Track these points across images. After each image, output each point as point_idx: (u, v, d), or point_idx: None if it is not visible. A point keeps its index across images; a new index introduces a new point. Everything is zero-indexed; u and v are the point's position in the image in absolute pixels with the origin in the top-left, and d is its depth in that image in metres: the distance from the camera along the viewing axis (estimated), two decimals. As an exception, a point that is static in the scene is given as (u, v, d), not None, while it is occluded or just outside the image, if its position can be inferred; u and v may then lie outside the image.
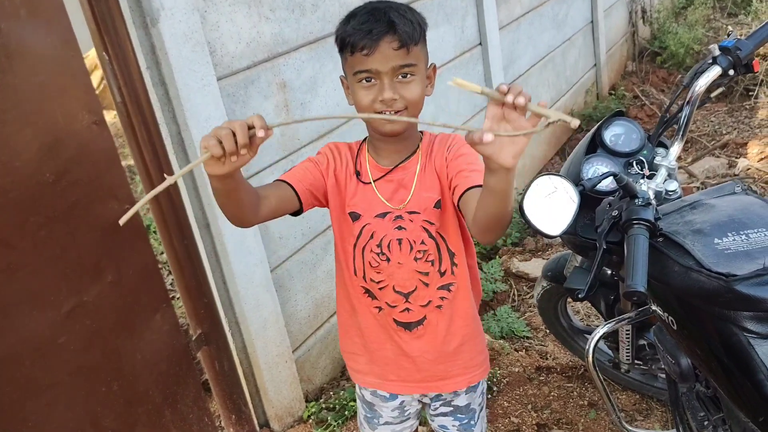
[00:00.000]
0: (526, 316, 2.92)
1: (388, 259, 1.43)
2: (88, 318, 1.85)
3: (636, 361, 2.13)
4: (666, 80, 5.53)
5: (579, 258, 1.87)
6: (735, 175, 3.89)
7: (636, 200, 1.35)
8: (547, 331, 2.77)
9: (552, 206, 1.27)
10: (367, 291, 1.48)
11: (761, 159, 4.04)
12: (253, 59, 2.32)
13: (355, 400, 2.45)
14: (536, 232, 1.40)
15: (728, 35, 1.62)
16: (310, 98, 2.58)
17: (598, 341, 1.75)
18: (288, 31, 2.44)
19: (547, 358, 2.62)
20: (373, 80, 1.30)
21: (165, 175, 1.12)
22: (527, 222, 1.28)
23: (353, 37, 1.29)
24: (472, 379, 1.54)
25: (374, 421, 1.65)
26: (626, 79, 5.80)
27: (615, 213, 1.40)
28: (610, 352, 2.36)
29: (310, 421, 2.47)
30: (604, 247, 1.42)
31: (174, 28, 1.99)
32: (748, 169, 3.90)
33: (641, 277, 1.22)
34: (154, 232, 3.44)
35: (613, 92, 5.40)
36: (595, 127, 1.74)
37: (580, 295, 1.45)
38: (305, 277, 2.63)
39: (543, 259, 3.30)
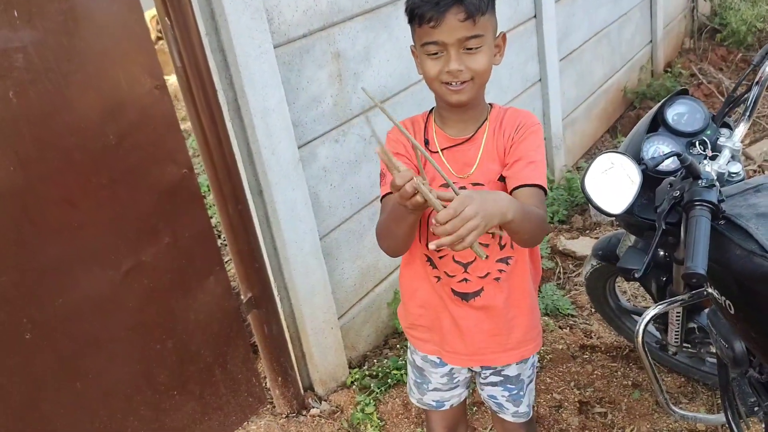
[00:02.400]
0: (571, 294, 2.90)
1: None
2: (145, 277, 1.91)
3: (684, 344, 2.10)
4: (725, 59, 5.35)
5: (632, 238, 1.84)
6: (794, 158, 3.77)
7: (699, 181, 1.32)
8: (593, 310, 2.76)
9: (613, 184, 1.26)
10: (429, 259, 1.50)
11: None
12: (309, 27, 2.32)
13: (398, 369, 2.50)
14: (597, 210, 1.38)
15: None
16: (363, 68, 2.58)
17: (648, 322, 1.73)
18: (344, -1, 2.44)
19: (591, 337, 2.61)
20: (439, 51, 1.31)
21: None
22: (588, 200, 1.27)
23: (421, 9, 1.29)
24: (524, 353, 1.56)
25: (424, 387, 1.67)
26: (683, 57, 5.63)
27: (677, 193, 1.38)
28: (657, 333, 2.33)
29: (354, 386, 2.51)
30: (663, 227, 1.40)
31: (234, -6, 2.01)
32: (751, 174, 3.78)
33: (702, 259, 1.20)
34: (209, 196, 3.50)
35: (669, 70, 5.25)
36: (658, 105, 1.70)
37: (636, 275, 1.43)
38: (352, 246, 2.66)
39: (590, 237, 3.26)
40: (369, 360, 2.71)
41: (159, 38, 5.12)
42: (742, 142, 1.57)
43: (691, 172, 1.34)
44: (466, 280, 1.47)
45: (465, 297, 1.49)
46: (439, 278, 1.50)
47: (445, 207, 1.09)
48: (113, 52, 1.76)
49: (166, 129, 1.92)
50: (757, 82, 1.55)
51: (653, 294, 2.08)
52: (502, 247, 1.44)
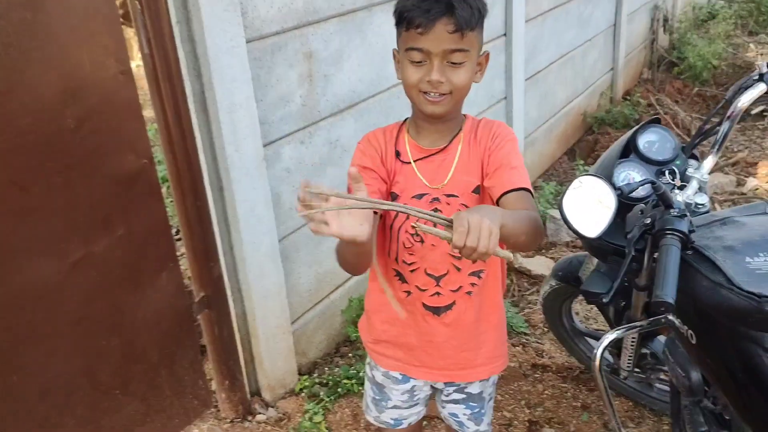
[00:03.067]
0: (525, 312, 2.91)
1: (422, 241, 1.41)
2: (94, 269, 1.83)
3: (635, 369, 2.12)
4: (681, 91, 5.51)
5: (595, 261, 1.85)
6: (743, 194, 3.89)
7: (671, 210, 1.33)
8: (546, 329, 2.77)
9: (589, 207, 1.25)
10: (398, 274, 1.47)
11: (771, 180, 4.04)
12: (283, 25, 2.27)
13: (349, 378, 2.46)
14: (573, 232, 1.38)
15: (774, 53, 1.60)
16: (334, 71, 2.54)
17: (607, 346, 1.73)
18: (320, 0, 2.39)
19: (543, 357, 2.62)
20: (423, 60, 1.29)
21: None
22: (566, 222, 1.26)
23: (411, 13, 1.27)
24: (493, 370, 1.54)
25: (382, 404, 1.63)
26: (641, 86, 5.76)
27: (648, 221, 1.38)
28: (609, 357, 2.35)
29: (303, 394, 2.46)
30: (633, 254, 1.41)
31: (209, -16, 1.95)
32: (756, 189, 3.90)
33: (671, 288, 1.21)
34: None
35: (627, 98, 5.37)
36: (631, 131, 1.72)
37: (604, 300, 1.43)
38: (311, 250, 2.61)
39: (547, 257, 3.29)
40: (319, 367, 2.66)
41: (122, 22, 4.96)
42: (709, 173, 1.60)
43: (663, 201, 1.35)
44: (438, 293, 1.44)
45: (436, 311, 1.46)
46: (409, 293, 1.47)
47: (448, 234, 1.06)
48: (79, 32, 1.69)
49: (128, 117, 1.85)
50: (728, 117, 1.58)
51: (610, 318, 2.10)
52: (474, 260, 1.42)
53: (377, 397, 1.64)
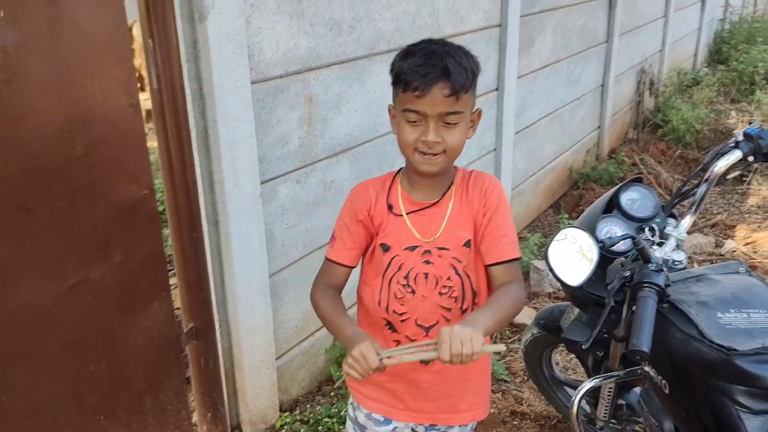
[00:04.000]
0: (506, 360, 2.96)
1: (413, 291, 1.46)
2: (90, 294, 1.86)
3: (611, 420, 2.17)
4: (664, 153, 5.68)
5: (576, 311, 1.92)
6: (721, 255, 4.00)
7: (649, 265, 1.41)
8: (526, 377, 2.82)
9: (573, 258, 1.33)
10: (389, 323, 1.51)
11: (747, 243, 4.16)
12: (287, 69, 2.37)
13: (330, 417, 2.49)
14: (558, 280, 1.45)
15: (750, 123, 1.70)
16: (333, 115, 2.63)
17: (584, 394, 1.79)
18: (323, 47, 2.50)
19: (522, 404, 2.66)
20: (419, 120, 1.35)
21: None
22: (551, 270, 1.34)
23: (408, 76, 1.33)
24: (475, 416, 1.59)
25: None
26: (626, 146, 5.94)
27: (627, 273, 1.46)
28: (586, 407, 2.40)
29: (283, 431, 2.47)
30: (612, 303, 1.48)
31: (220, 27, 2.04)
32: (734, 251, 4.01)
33: (647, 338, 1.28)
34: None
35: (613, 156, 5.52)
36: (614, 189, 1.81)
37: (584, 347, 1.50)
38: (300, 287, 2.66)
39: (529, 306, 3.35)
40: (301, 405, 2.68)
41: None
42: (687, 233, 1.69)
43: (642, 255, 1.43)
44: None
45: (425, 360, 1.51)
46: (399, 342, 1.51)
47: (433, 349, 1.21)
48: (93, 64, 1.76)
49: (133, 148, 1.91)
50: (706, 180, 1.68)
51: (588, 368, 2.16)
52: (463, 311, 1.47)
53: None
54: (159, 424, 2.17)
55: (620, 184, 1.81)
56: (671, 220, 1.73)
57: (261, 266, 2.38)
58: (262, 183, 2.34)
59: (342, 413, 2.47)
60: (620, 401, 2.13)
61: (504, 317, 1.30)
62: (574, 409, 1.80)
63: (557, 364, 2.91)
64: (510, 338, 3.15)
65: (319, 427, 2.45)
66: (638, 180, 1.82)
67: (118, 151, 1.87)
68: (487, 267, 1.42)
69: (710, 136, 5.68)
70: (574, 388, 2.43)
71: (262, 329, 2.45)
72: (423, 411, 1.56)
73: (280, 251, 2.52)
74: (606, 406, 2.09)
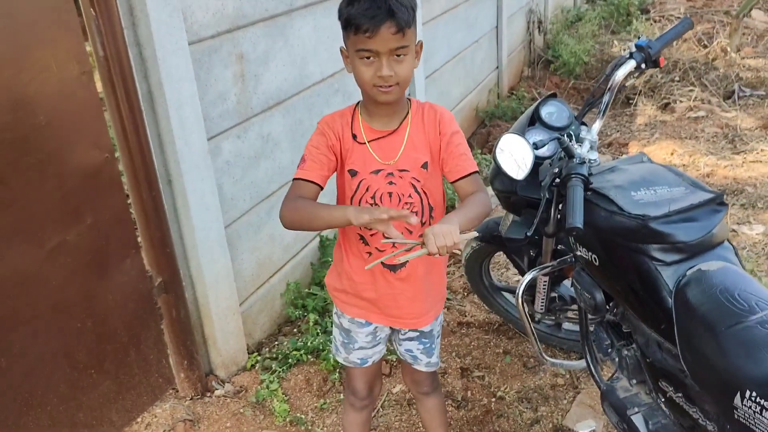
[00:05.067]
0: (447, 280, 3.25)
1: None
2: (68, 256, 1.97)
3: (546, 313, 2.50)
4: (558, 85, 6.10)
5: (511, 216, 2.20)
6: (618, 170, 4.43)
7: (574, 159, 1.69)
8: (465, 294, 3.12)
9: (514, 159, 1.58)
10: (362, 237, 1.72)
11: (640, 158, 4.62)
12: (217, 29, 2.49)
13: (297, 350, 2.69)
14: (505, 176, 1.70)
15: (639, 37, 2.00)
16: (263, 71, 2.77)
17: (527, 283, 2.09)
18: (247, 6, 2.62)
19: (466, 316, 2.96)
20: (372, 58, 1.53)
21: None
22: (499, 168, 1.58)
23: (357, 20, 1.49)
24: (437, 312, 1.85)
25: (350, 346, 1.89)
26: (523, 83, 6.32)
27: (556, 170, 1.74)
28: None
29: (256, 368, 2.66)
30: (547, 196, 1.76)
31: (155, -8, 2.14)
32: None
33: (579, 216, 1.55)
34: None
35: (512, 93, 5.89)
36: (534, 104, 2.08)
37: (527, 234, 1.77)
38: (251, 238, 2.82)
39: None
40: (265, 346, 2.87)
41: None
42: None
43: (567, 153, 1.71)
44: (394, 254, 1.71)
45: (393, 269, 1.72)
46: (370, 253, 1.72)
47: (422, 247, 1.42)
48: (44, 35, 1.84)
49: (90, 115, 2.01)
50: (609, 89, 1.97)
51: (523, 267, 2.47)
52: (423, 224, 1.70)
53: (345, 341, 1.90)
54: (143, 374, 2.31)
55: (539, 100, 2.09)
56: (583, 127, 2.02)
57: (216, 219, 2.53)
58: (208, 140, 2.47)
59: (309, 344, 2.68)
60: (552, 294, 2.46)
61: (474, 215, 1.52)
62: (520, 299, 2.10)
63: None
64: (449, 262, 3.44)
65: (289, 359, 2.66)
66: (553, 96, 2.10)
67: (77, 118, 1.97)
68: (453, 184, 1.64)
69: (597, 65, 6.14)
70: (512, 292, 2.75)
71: (224, 278, 2.60)
72: (395, 317, 1.80)
73: (230, 204, 2.67)
74: (542, 299, 2.41)
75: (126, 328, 2.20)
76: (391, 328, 1.88)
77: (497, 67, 5.95)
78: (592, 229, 1.69)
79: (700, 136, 4.77)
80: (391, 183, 1.66)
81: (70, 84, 1.93)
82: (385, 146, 1.68)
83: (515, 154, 1.67)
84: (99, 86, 2.10)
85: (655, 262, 1.58)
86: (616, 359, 1.93)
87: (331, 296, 1.89)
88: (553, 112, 2.04)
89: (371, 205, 1.68)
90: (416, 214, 1.68)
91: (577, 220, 1.55)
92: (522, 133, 1.97)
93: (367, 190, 1.67)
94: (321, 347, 2.68)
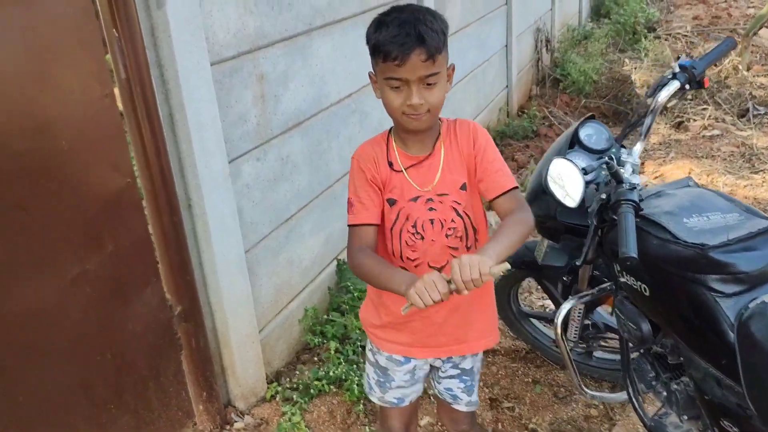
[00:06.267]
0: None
1: (422, 238, 1.59)
2: (89, 286, 1.89)
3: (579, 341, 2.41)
4: (568, 104, 6.05)
5: (546, 242, 2.12)
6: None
7: (623, 185, 1.61)
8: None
9: (564, 185, 1.51)
10: (404, 269, 1.62)
11: (656, 177, 4.56)
12: (239, 49, 2.42)
13: (319, 380, 2.60)
14: (558, 204, 1.62)
15: (679, 57, 1.93)
16: (282, 91, 2.71)
17: (566, 313, 2.00)
18: (267, 25, 2.57)
19: (491, 343, 2.87)
20: (401, 86, 1.46)
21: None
22: (552, 196, 1.51)
23: (386, 47, 1.43)
24: (487, 344, 1.75)
25: (386, 385, 1.79)
26: (531, 102, 6.27)
27: (603, 196, 1.66)
28: (552, 335, 2.64)
29: (276, 399, 2.57)
30: (595, 223, 1.68)
31: (178, 12, 2.08)
32: (646, 185, 4.39)
33: (633, 245, 1.48)
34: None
35: (524, 112, 5.83)
36: (573, 127, 2.01)
37: (578, 263, 1.69)
38: (269, 262, 2.74)
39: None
40: (284, 375, 2.78)
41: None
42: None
43: (615, 178, 1.63)
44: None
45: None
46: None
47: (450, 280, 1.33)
48: (67, 57, 1.77)
49: (112, 138, 1.94)
50: (651, 111, 1.90)
51: (555, 294, 2.38)
52: (468, 248, 1.62)
53: (381, 380, 1.80)
54: (163, 407, 2.22)
55: (578, 122, 2.02)
56: (623, 150, 1.95)
57: (237, 244, 2.45)
58: (228, 163, 2.40)
59: (330, 374, 2.59)
60: (586, 321, 2.38)
61: (514, 240, 1.43)
62: (559, 330, 2.01)
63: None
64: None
65: (311, 390, 2.56)
66: (591, 117, 2.03)
67: (98, 142, 1.89)
68: (491, 202, 1.57)
69: (608, 84, 6.09)
70: (541, 318, 2.67)
71: (243, 305, 2.52)
72: (439, 345, 1.71)
73: (250, 228, 2.59)
74: (576, 327, 2.33)
75: (145, 360, 2.11)
76: (430, 366, 1.79)
77: (507, 86, 5.91)
78: (642, 257, 1.61)
79: (716, 155, 4.71)
80: (431, 209, 1.59)
81: (92, 106, 1.85)
82: (422, 172, 1.61)
83: (565, 181, 1.60)
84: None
85: (714, 294, 1.50)
86: (663, 393, 1.85)
87: (366, 332, 1.80)
88: (592, 134, 1.97)
89: (413, 234, 1.60)
90: (460, 239, 1.60)
91: (631, 249, 1.47)
92: (562, 156, 1.90)
93: (407, 219, 1.60)
94: (344, 377, 2.58)
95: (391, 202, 1.61)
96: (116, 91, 2.02)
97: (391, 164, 1.61)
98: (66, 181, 1.80)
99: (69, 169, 1.80)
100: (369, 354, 1.82)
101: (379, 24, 1.48)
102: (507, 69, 5.88)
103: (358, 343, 2.79)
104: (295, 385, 2.64)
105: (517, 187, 1.56)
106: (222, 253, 2.37)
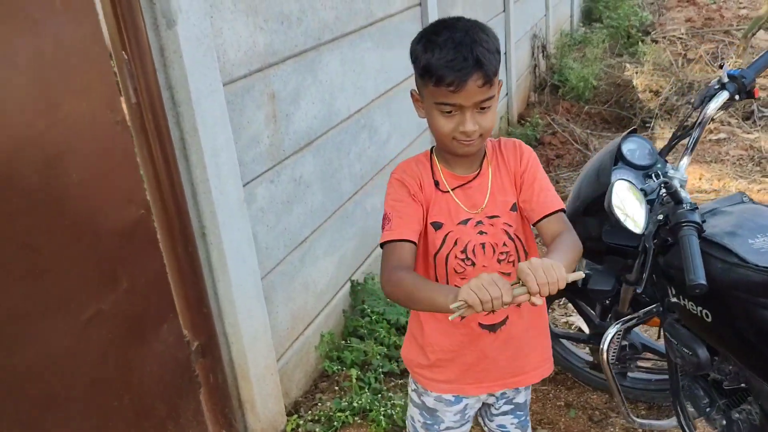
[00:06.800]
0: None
1: (473, 264, 1.48)
2: (104, 327, 1.76)
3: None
4: (569, 110, 5.97)
5: (584, 262, 2.02)
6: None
7: (683, 205, 1.51)
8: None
9: (625, 208, 1.40)
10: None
11: (666, 183, 4.48)
12: (250, 68, 2.31)
13: (342, 411, 2.47)
14: (622, 229, 1.51)
15: (720, 66, 1.84)
16: (293, 110, 2.59)
17: (612, 338, 1.90)
18: (277, 42, 2.45)
19: (517, 364, 2.76)
20: (454, 111, 1.35)
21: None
22: (617, 222, 1.40)
23: (440, 71, 1.31)
24: (543, 373, 1.63)
25: (434, 427, 1.67)
26: (530, 109, 6.19)
27: (661, 217, 1.55)
28: (584, 356, 2.54)
29: (299, 432, 2.44)
30: (652, 247, 1.57)
31: (189, 31, 1.96)
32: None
33: (701, 271, 1.37)
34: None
35: (526, 120, 5.74)
36: (615, 142, 1.91)
37: (638, 290, 1.59)
38: (285, 288, 2.62)
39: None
40: (303, 406, 2.65)
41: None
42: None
43: (673, 198, 1.53)
44: (492, 311, 1.51)
45: (492, 328, 1.53)
46: (463, 316, 1.52)
47: (521, 286, 1.18)
48: (76, 83, 1.65)
49: (125, 167, 1.81)
50: (699, 123, 1.80)
51: (590, 316, 2.27)
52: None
53: (429, 422, 1.67)
54: (183, 449, 2.08)
55: (621, 137, 1.91)
56: (669, 165, 1.85)
57: (253, 272, 2.33)
58: (243, 187, 2.28)
59: (355, 404, 2.46)
60: (624, 342, 2.27)
61: (570, 258, 1.32)
62: (605, 355, 1.90)
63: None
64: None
65: (334, 423, 2.44)
66: (633, 131, 1.93)
67: (111, 172, 1.76)
68: (536, 224, 1.46)
69: (609, 89, 6.02)
70: (572, 339, 2.56)
71: (261, 335, 2.39)
72: (495, 379, 1.59)
73: (265, 254, 2.47)
74: (615, 348, 2.22)
75: (164, 401, 1.98)
76: (483, 402, 1.68)
77: (507, 94, 5.82)
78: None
79: (725, 159, 4.64)
80: (481, 233, 1.48)
81: (104, 135, 1.73)
82: (470, 193, 1.50)
83: (626, 204, 1.49)
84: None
85: (789, 321, 1.39)
86: (722, 421, 1.74)
87: (411, 373, 1.67)
88: (634, 149, 1.87)
89: (462, 260, 1.48)
90: (513, 264, 1.49)
91: (699, 276, 1.36)
92: (608, 176, 1.80)
93: (455, 243, 1.48)
94: (368, 407, 2.46)
95: (437, 226, 1.49)
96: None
97: (437, 184, 1.50)
98: (78, 216, 1.67)
99: (80, 203, 1.67)
100: (413, 395, 1.70)
101: (428, 43, 1.35)
102: (506, 77, 5.79)
103: (380, 370, 2.67)
104: (316, 417, 2.51)
105: (564, 209, 1.45)
106: (239, 282, 2.25)
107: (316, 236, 2.81)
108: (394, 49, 3.44)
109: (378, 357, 2.70)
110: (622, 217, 1.42)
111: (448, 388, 1.61)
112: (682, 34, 7.58)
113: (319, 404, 2.61)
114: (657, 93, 5.63)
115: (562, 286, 1.17)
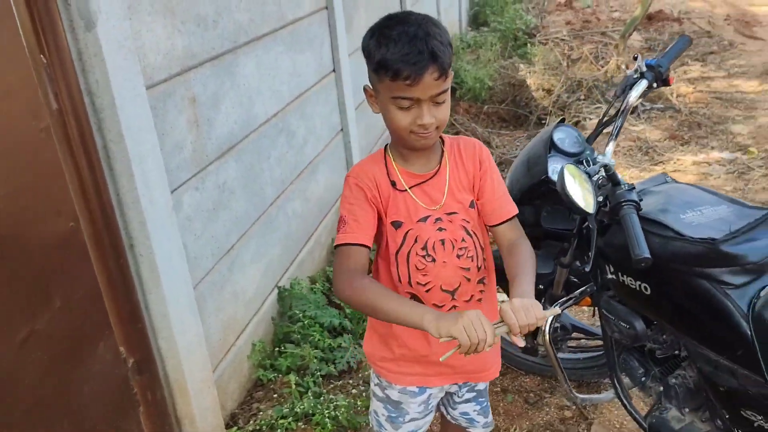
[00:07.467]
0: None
1: (433, 260, 1.49)
2: (40, 348, 1.65)
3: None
4: (468, 111, 6.15)
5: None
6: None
7: (621, 186, 1.60)
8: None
9: (579, 190, 1.48)
10: (413, 297, 1.52)
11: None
12: (170, 72, 2.23)
13: (284, 417, 2.43)
14: (576, 210, 1.58)
15: (635, 58, 1.97)
16: (214, 114, 2.53)
17: (553, 321, 1.98)
18: (195, 45, 2.39)
19: (451, 356, 2.81)
20: (410, 105, 1.36)
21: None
22: (572, 203, 1.46)
23: (396, 65, 1.31)
24: (495, 373, 1.69)
25: (399, 420, 1.68)
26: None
27: (601, 198, 1.64)
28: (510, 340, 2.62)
29: (240, 445, 2.37)
30: (596, 227, 1.66)
31: (110, 33, 1.87)
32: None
33: (644, 245, 1.46)
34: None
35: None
36: (547, 131, 1.99)
37: (586, 268, 1.66)
38: (215, 298, 2.54)
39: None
40: (240, 417, 2.58)
41: None
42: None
43: (612, 180, 1.62)
44: (454, 306, 1.52)
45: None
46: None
47: (502, 325, 1.27)
48: (-4, 90, 1.54)
49: (52, 177, 1.71)
50: (622, 111, 1.91)
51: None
52: (479, 269, 1.54)
53: (393, 415, 1.68)
54: (125, 473, 1.98)
55: (552, 127, 2.00)
56: (595, 151, 1.96)
57: (185, 283, 2.25)
58: (171, 194, 2.20)
59: (296, 410, 2.42)
60: (555, 324, 2.38)
61: (533, 276, 1.40)
62: (548, 338, 1.98)
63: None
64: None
65: (277, 430, 2.39)
66: (561, 122, 2.03)
67: (38, 184, 1.66)
68: (493, 228, 1.51)
69: (504, 89, 6.26)
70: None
71: (197, 348, 2.31)
72: (456, 372, 1.62)
73: (194, 264, 2.39)
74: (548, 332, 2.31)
75: (105, 422, 1.87)
76: (446, 392, 1.70)
77: (409, 96, 5.92)
78: (642, 256, 1.61)
79: (616, 150, 4.94)
80: (440, 229, 1.50)
81: (29, 144, 1.62)
82: (428, 190, 1.51)
83: (576, 186, 1.57)
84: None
85: (723, 286, 1.51)
86: (658, 388, 1.86)
87: (374, 367, 1.67)
88: (564, 138, 1.96)
89: (423, 257, 1.49)
90: (472, 259, 1.52)
91: (643, 250, 1.45)
92: (545, 163, 1.88)
93: (416, 241, 1.49)
94: (311, 411, 2.43)
95: (397, 225, 1.50)
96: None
97: (393, 184, 1.50)
98: (8, 232, 1.55)
99: (7, 218, 1.56)
100: (376, 389, 1.70)
101: (382, 38, 1.34)
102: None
103: (318, 374, 2.64)
104: (257, 427, 2.45)
105: (518, 214, 1.51)
106: (172, 294, 2.16)
107: (243, 243, 2.75)
108: (305, 52, 3.43)
109: (315, 360, 2.67)
110: (576, 199, 1.49)
111: (414, 379, 1.62)
112: (565, 36, 8.01)
113: (259, 414, 2.55)
114: (549, 91, 5.92)
115: (541, 324, 1.27)
